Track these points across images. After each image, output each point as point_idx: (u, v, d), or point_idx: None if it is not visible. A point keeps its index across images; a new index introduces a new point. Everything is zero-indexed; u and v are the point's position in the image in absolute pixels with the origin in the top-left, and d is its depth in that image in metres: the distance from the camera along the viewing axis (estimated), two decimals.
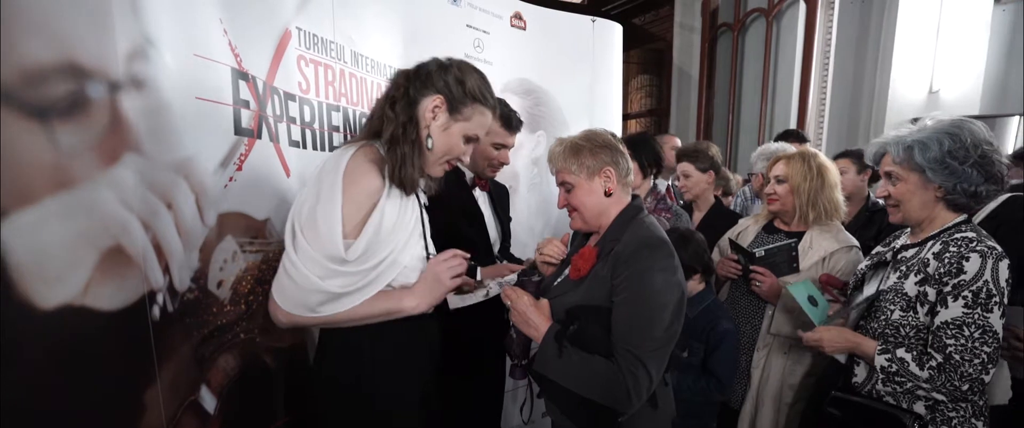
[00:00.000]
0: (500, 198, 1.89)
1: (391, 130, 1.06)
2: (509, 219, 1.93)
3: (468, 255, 1.22)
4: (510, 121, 1.68)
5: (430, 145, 1.09)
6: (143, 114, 0.91)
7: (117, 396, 0.88)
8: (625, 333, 1.03)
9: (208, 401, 1.15)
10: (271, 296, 1.04)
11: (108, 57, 0.82)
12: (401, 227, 1.09)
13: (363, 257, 1.03)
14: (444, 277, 1.16)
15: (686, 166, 2.23)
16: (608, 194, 1.16)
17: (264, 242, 1.29)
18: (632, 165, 1.20)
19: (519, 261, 1.93)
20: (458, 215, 1.67)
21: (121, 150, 0.86)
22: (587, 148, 1.16)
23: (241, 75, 1.16)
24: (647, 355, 1.01)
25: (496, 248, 1.81)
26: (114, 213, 0.84)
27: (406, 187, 1.07)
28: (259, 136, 1.23)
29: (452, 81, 1.08)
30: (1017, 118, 3.89)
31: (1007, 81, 4.07)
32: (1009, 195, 1.74)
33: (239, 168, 1.17)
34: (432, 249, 1.24)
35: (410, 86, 1.08)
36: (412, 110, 1.07)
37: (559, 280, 1.24)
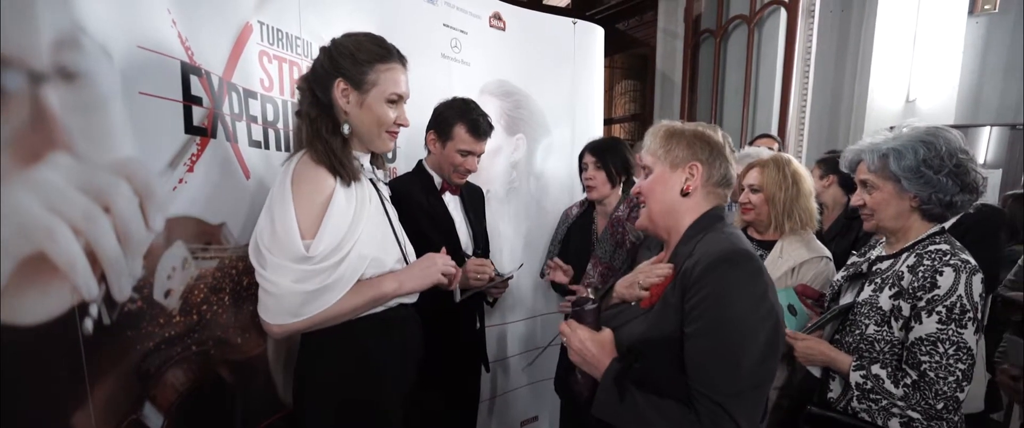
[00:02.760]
0: (473, 202, 1.83)
1: (306, 130, 1.10)
2: (484, 223, 1.87)
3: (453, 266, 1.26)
4: (477, 127, 1.59)
5: (347, 130, 1.10)
6: (75, 109, 0.83)
7: (38, 419, 0.80)
8: (702, 373, 0.83)
9: (153, 419, 1.07)
10: (260, 318, 1.06)
11: (29, 45, 0.74)
12: (360, 219, 1.09)
13: (330, 253, 1.03)
14: (439, 263, 1.21)
15: None
16: (685, 193, 0.99)
17: (219, 248, 1.22)
18: (734, 174, 1.03)
19: (498, 273, 1.88)
20: (425, 221, 1.61)
21: (46, 148, 0.78)
22: (684, 136, 1.01)
23: (193, 70, 1.09)
24: (731, 401, 0.81)
25: (469, 254, 1.74)
26: (34, 217, 0.76)
27: (343, 175, 1.08)
28: (214, 135, 1.16)
29: (342, 59, 1.08)
30: (988, 128, 3.97)
31: (980, 92, 4.16)
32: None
33: (190, 169, 1.10)
34: (404, 239, 1.25)
35: (313, 86, 1.10)
36: (321, 107, 1.10)
37: (622, 308, 1.07)
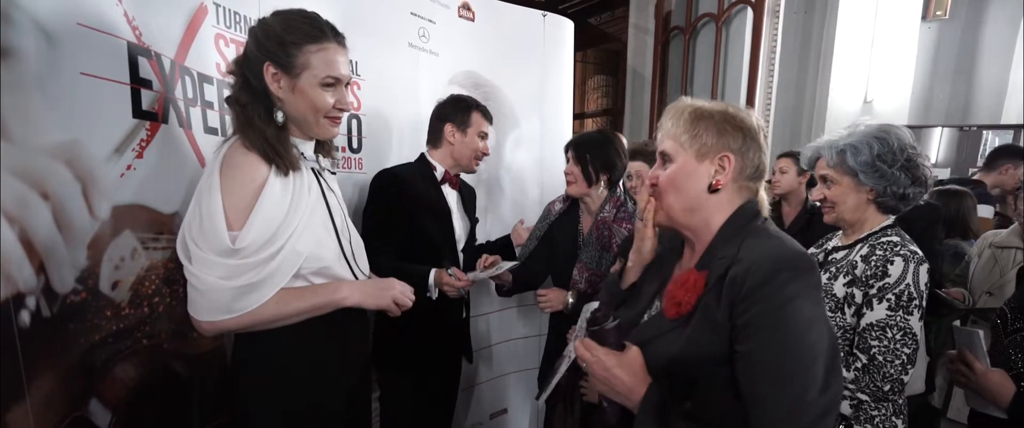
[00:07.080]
0: (469, 198, 1.89)
1: (237, 119, 1.04)
2: (476, 220, 1.94)
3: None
4: (488, 112, 1.76)
5: (280, 118, 1.03)
6: (7, 89, 0.78)
7: None
8: (764, 399, 0.70)
9: (100, 416, 1.02)
10: (190, 314, 1.00)
11: None
12: (297, 211, 1.03)
13: (261, 247, 0.97)
14: (396, 289, 1.17)
15: (640, 165, 2.17)
16: (713, 190, 0.84)
17: (171, 238, 1.17)
18: (767, 164, 0.89)
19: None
20: (425, 212, 1.67)
21: None
22: (712, 120, 0.84)
23: (141, 51, 1.04)
24: None
25: (461, 245, 1.81)
26: None
27: (279, 164, 1.01)
28: (165, 120, 1.11)
29: (269, 42, 1.00)
30: (940, 129, 4.17)
31: (931, 94, 4.37)
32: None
33: (139, 155, 1.05)
34: (348, 233, 1.19)
35: (244, 71, 1.03)
36: (253, 92, 1.03)
37: (647, 317, 0.92)
